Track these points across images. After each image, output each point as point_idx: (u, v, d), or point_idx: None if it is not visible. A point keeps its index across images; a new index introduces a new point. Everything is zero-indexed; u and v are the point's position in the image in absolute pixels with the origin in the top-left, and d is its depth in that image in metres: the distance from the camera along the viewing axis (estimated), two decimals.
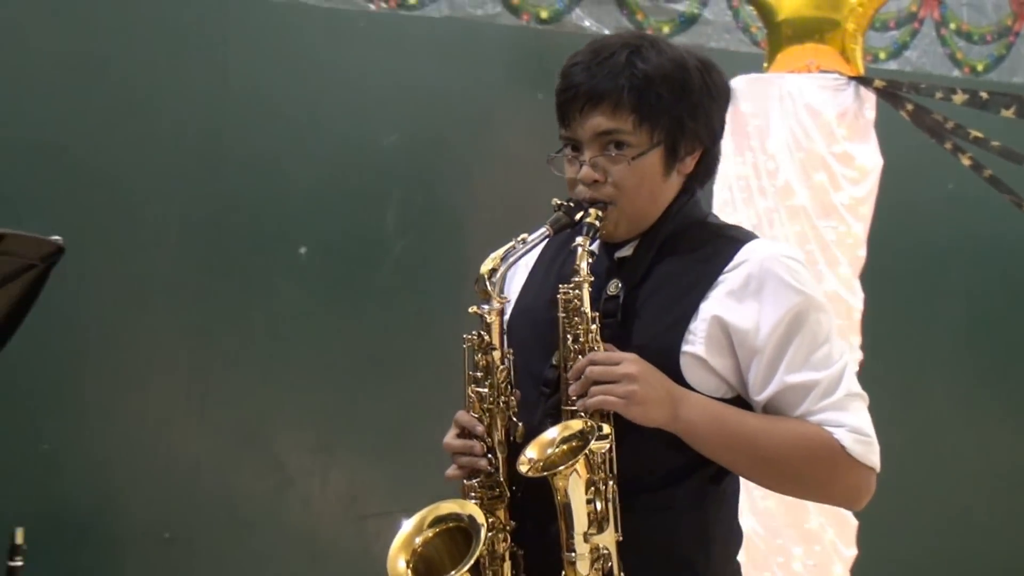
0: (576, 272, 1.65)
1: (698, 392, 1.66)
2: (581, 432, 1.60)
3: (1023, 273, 4.66)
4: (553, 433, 1.62)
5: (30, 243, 2.20)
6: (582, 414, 1.63)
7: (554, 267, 1.78)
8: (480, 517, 1.59)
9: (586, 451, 1.57)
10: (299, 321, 3.57)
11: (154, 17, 3.35)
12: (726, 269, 1.67)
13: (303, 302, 3.57)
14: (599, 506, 1.62)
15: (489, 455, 1.67)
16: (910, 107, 3.55)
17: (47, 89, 3.16)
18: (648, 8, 3.99)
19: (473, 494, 1.67)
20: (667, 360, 1.65)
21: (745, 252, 1.67)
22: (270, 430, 3.50)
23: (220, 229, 3.46)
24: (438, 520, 1.63)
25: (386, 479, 3.66)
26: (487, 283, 1.67)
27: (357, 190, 3.64)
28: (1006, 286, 4.66)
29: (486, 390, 1.69)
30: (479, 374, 1.70)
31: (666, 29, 3.97)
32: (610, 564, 1.62)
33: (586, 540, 1.60)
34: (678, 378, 1.65)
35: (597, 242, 1.72)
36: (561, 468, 1.57)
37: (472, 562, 1.56)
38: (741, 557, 1.82)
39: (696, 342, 1.65)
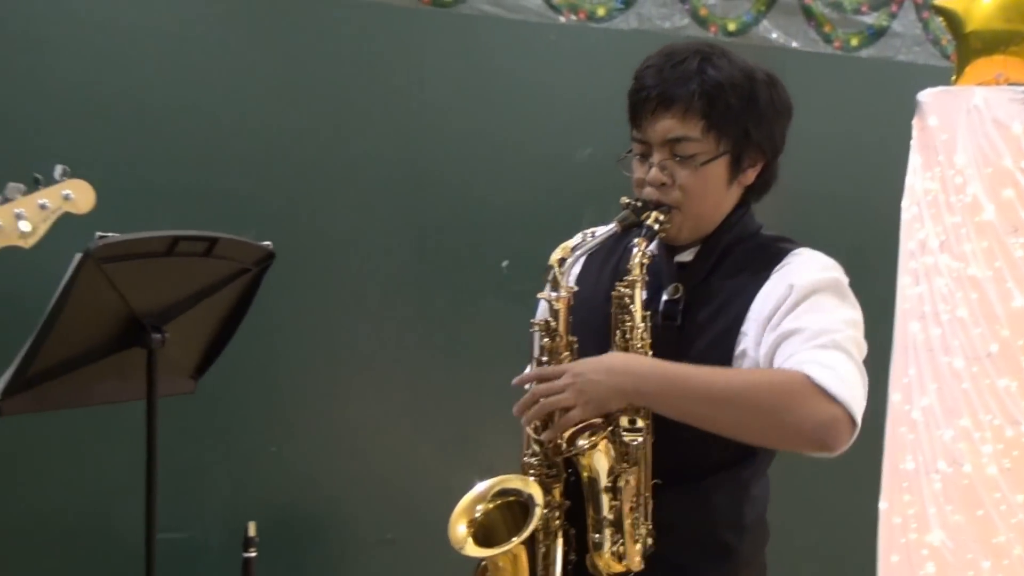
0: (630, 271, 1.69)
1: None
2: (612, 421, 1.64)
3: None
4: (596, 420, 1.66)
5: (242, 248, 2.29)
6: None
7: (610, 262, 1.81)
8: (539, 496, 1.64)
9: (606, 435, 1.62)
10: (503, 330, 3.57)
11: (354, 40, 3.46)
12: (770, 278, 1.71)
13: (505, 312, 3.56)
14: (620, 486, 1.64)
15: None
16: None
17: (260, 109, 3.29)
18: (836, 20, 3.93)
19: (532, 472, 1.71)
20: (721, 364, 1.68)
21: (791, 261, 1.72)
22: (480, 433, 3.54)
23: (428, 242, 3.55)
24: (501, 493, 1.69)
25: None
26: (556, 271, 1.72)
27: (552, 204, 3.64)
28: None
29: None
30: (545, 358, 1.73)
31: (854, 41, 3.92)
32: (647, 539, 1.66)
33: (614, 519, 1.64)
34: None
35: (656, 243, 1.75)
36: (586, 448, 1.62)
37: (527, 534, 1.63)
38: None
39: (747, 341, 1.69)
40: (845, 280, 1.74)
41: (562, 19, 3.66)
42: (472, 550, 1.68)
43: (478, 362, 3.55)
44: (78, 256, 1.96)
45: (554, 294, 1.73)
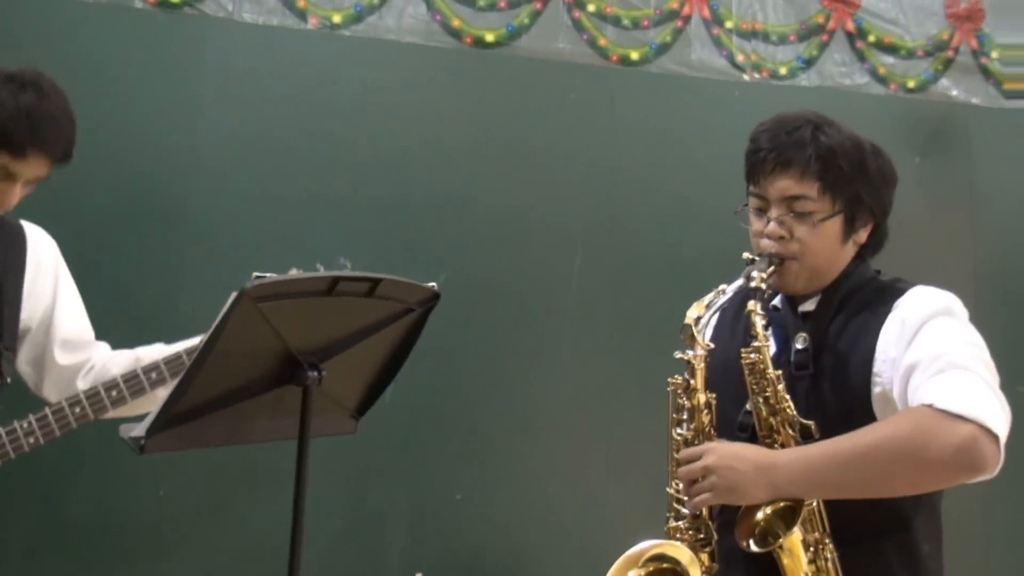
0: (755, 336, 1.70)
1: None
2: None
3: None
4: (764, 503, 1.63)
5: (406, 288, 2.20)
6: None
7: (740, 320, 1.81)
8: (697, 573, 1.63)
9: (800, 519, 1.59)
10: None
11: (549, 97, 3.57)
12: (889, 317, 1.71)
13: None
14: (820, 565, 1.64)
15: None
16: None
17: (459, 161, 3.42)
18: (1013, 75, 3.91)
19: (679, 536, 1.73)
20: (861, 407, 1.68)
21: (905, 297, 1.73)
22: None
23: (622, 293, 3.53)
24: (657, 558, 1.68)
25: None
26: (693, 330, 1.73)
27: (732, 256, 3.56)
28: None
29: (690, 433, 1.74)
30: (683, 416, 1.76)
31: None
32: None
33: None
34: (872, 420, 1.66)
35: (780, 296, 1.81)
36: (784, 539, 1.59)
37: None
38: None
39: (883, 383, 1.67)
40: (958, 306, 1.73)
41: (745, 77, 3.71)
42: None
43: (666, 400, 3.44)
44: (234, 294, 1.90)
45: (691, 352, 1.75)
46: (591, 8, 3.63)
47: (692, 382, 1.76)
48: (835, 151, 1.77)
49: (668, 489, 1.80)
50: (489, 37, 3.58)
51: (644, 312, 3.55)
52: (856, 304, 1.80)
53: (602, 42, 3.64)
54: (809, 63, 3.79)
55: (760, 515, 1.64)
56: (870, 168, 1.81)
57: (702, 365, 1.76)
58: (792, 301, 1.81)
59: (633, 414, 3.45)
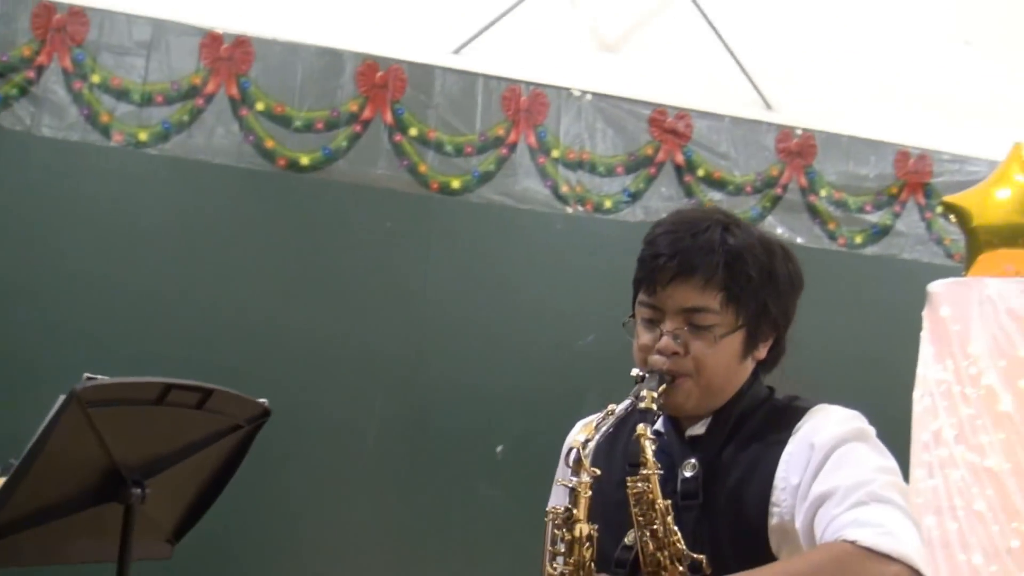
0: (644, 464, 1.58)
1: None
2: None
3: None
4: None
5: (237, 402, 2.18)
6: None
7: (618, 444, 1.72)
8: None
9: None
10: (497, 514, 3.65)
11: (362, 225, 3.61)
12: (789, 441, 1.63)
13: (499, 497, 3.66)
14: None
15: None
16: None
17: (268, 291, 3.49)
18: (841, 218, 4.05)
19: None
20: (756, 539, 1.61)
21: (807, 418, 1.65)
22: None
23: (425, 424, 3.60)
24: None
25: None
26: (581, 454, 1.60)
27: (553, 390, 3.68)
28: None
29: (568, 568, 1.60)
30: (562, 548, 1.61)
31: (859, 239, 4.03)
32: None
33: None
34: (767, 552, 1.60)
35: (663, 419, 1.69)
36: None
37: None
38: None
39: (781, 513, 1.60)
40: (870, 428, 1.65)
41: (568, 209, 3.76)
42: None
43: (469, 546, 3.58)
44: (62, 397, 1.85)
45: (575, 479, 1.61)
46: (413, 132, 3.67)
47: (575, 512, 1.61)
48: (745, 258, 1.66)
49: None
50: (304, 160, 3.62)
51: (447, 449, 3.61)
52: (752, 427, 1.70)
53: (422, 168, 3.69)
54: (635, 196, 3.88)
55: None
56: (779, 275, 1.70)
57: (587, 493, 1.61)
58: (678, 425, 1.70)
59: (430, 546, 3.53)
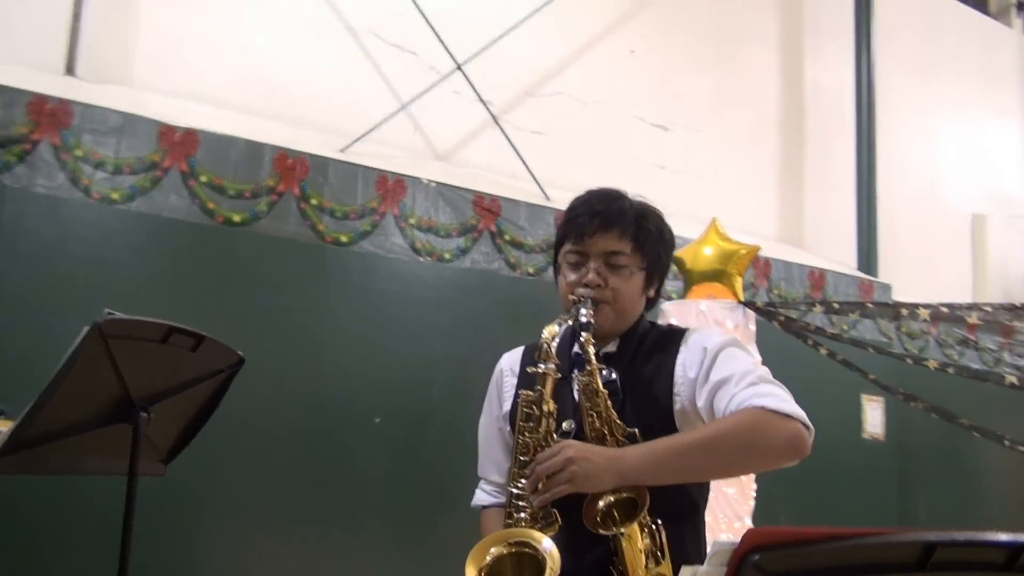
0: (588, 362, 1.80)
1: None
2: (635, 491, 1.70)
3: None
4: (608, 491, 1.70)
5: (221, 351, 2.23)
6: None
7: (564, 353, 1.91)
8: (555, 561, 1.61)
9: (640, 515, 1.68)
10: (374, 471, 4.20)
11: (263, 270, 4.24)
12: (680, 351, 1.88)
13: (377, 458, 4.24)
14: (654, 542, 1.73)
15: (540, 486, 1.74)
16: (782, 319, 4.45)
17: (204, 314, 3.90)
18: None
19: (526, 525, 1.75)
20: (665, 420, 1.82)
21: (686, 336, 1.91)
22: (356, 563, 4.00)
23: (321, 411, 4.12)
24: (520, 543, 1.67)
25: None
26: (548, 346, 1.82)
27: (410, 382, 4.37)
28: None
29: (535, 438, 1.80)
30: (530, 424, 1.81)
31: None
32: None
33: (647, 571, 1.71)
34: (673, 429, 1.80)
35: (578, 346, 1.85)
36: (629, 526, 1.69)
37: None
38: None
39: (682, 401, 1.83)
40: (729, 335, 1.93)
41: (421, 259, 4.67)
42: None
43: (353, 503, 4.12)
44: (86, 328, 1.87)
45: (543, 366, 1.80)
46: (314, 202, 4.45)
47: (543, 392, 1.78)
48: (648, 217, 1.92)
49: (511, 489, 1.81)
50: (236, 218, 4.28)
51: (339, 425, 4.12)
52: (649, 344, 1.91)
53: (321, 227, 4.43)
54: (464, 251, 4.76)
55: (602, 504, 1.70)
56: (666, 235, 1.97)
57: (555, 376, 1.80)
58: (594, 345, 1.83)
59: (323, 504, 4.02)
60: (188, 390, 2.19)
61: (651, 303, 2.02)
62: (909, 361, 4.65)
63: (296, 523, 4.06)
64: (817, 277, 6.06)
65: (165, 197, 4.23)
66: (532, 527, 1.73)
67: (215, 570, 3.87)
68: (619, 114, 5.84)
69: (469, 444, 4.19)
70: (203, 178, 4.33)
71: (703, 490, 1.92)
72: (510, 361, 2.08)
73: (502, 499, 2.09)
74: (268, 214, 4.42)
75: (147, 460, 2.19)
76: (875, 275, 6.58)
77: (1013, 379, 4.44)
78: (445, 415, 4.51)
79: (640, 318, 1.98)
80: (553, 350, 1.81)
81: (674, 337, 1.92)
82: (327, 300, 4.37)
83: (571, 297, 1.87)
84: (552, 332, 1.82)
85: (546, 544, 1.64)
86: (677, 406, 1.83)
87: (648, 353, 1.91)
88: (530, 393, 1.81)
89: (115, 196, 4.12)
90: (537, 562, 1.61)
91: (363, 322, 4.41)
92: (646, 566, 1.70)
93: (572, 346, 1.91)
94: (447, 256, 4.78)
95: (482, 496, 2.15)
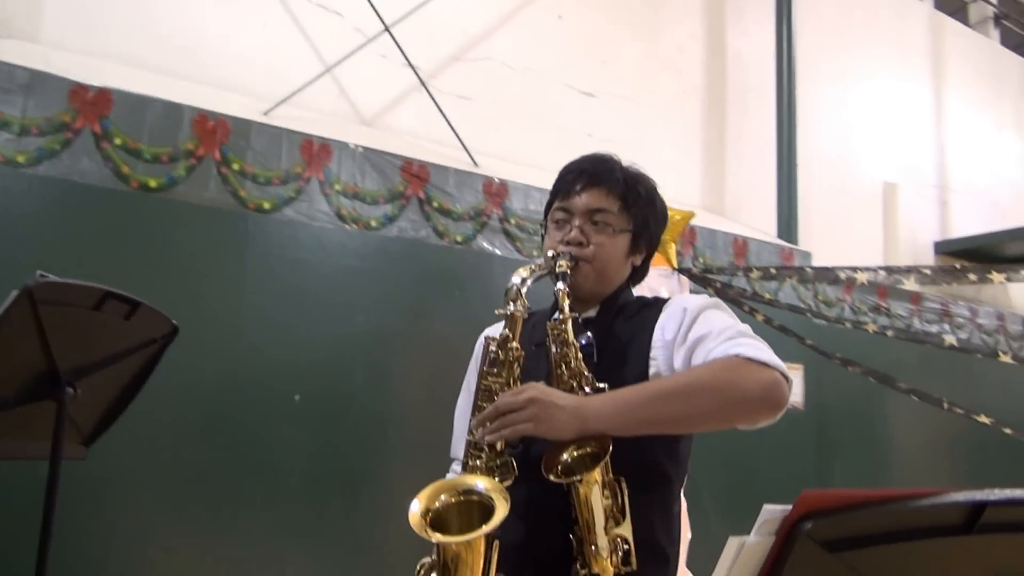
0: (562, 311, 1.74)
1: None
2: (598, 443, 1.61)
3: None
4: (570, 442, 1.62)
5: (156, 319, 2.14)
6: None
7: (528, 326, 1.82)
8: (504, 506, 1.53)
9: (604, 461, 1.59)
10: (294, 449, 4.06)
11: (184, 239, 4.04)
12: (660, 316, 1.82)
13: (296, 437, 4.10)
14: (616, 502, 1.64)
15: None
16: (718, 285, 4.48)
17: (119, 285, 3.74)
18: (524, 238, 5.22)
19: (480, 471, 1.68)
20: (637, 381, 1.71)
21: (669, 303, 1.87)
22: (274, 539, 3.91)
23: (241, 384, 3.96)
24: (468, 491, 1.59)
25: (365, 567, 4.14)
26: (519, 288, 1.74)
27: (334, 357, 4.22)
28: None
29: (499, 381, 1.72)
30: (494, 369, 1.73)
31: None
32: (627, 547, 1.64)
33: (607, 532, 1.63)
34: None
35: (557, 310, 1.78)
36: (583, 475, 1.59)
37: (496, 522, 1.50)
38: None
39: (659, 365, 1.77)
40: (709, 298, 1.84)
41: (347, 227, 4.51)
42: (446, 536, 1.54)
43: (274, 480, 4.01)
44: (14, 293, 1.77)
45: (512, 306, 1.74)
46: (235, 167, 4.28)
47: (510, 335, 1.73)
48: (638, 180, 1.89)
49: (468, 436, 1.73)
50: (152, 183, 4.10)
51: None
52: (630, 312, 1.86)
53: (242, 193, 4.27)
54: (392, 219, 4.65)
55: (565, 455, 1.63)
56: (657, 203, 1.93)
57: (520, 320, 1.74)
58: (573, 310, 1.79)
59: (240, 483, 3.84)
60: (119, 363, 2.07)
61: (637, 273, 1.96)
62: (847, 324, 4.72)
63: (212, 506, 3.93)
64: (741, 245, 6.12)
65: (76, 160, 4.02)
66: (495, 475, 1.67)
67: (125, 556, 3.72)
68: (547, 80, 5.79)
69: (396, 420, 4.28)
70: (117, 140, 4.13)
71: (677, 464, 1.84)
72: (495, 332, 1.95)
73: None
74: (187, 179, 4.24)
75: (69, 442, 2.05)
76: (795, 243, 6.67)
77: (952, 340, 4.55)
78: (369, 391, 4.39)
79: (624, 286, 1.92)
80: (524, 292, 1.74)
81: (656, 305, 1.87)
82: (248, 270, 4.19)
83: (549, 252, 1.81)
84: (522, 275, 1.75)
85: (489, 487, 1.56)
86: (652, 370, 1.77)
87: (629, 319, 1.85)
88: (495, 338, 1.74)
89: (21, 159, 3.91)
90: (486, 508, 1.54)
91: (285, 293, 4.22)
92: (605, 527, 1.62)
93: (552, 314, 1.83)
94: (374, 224, 4.65)
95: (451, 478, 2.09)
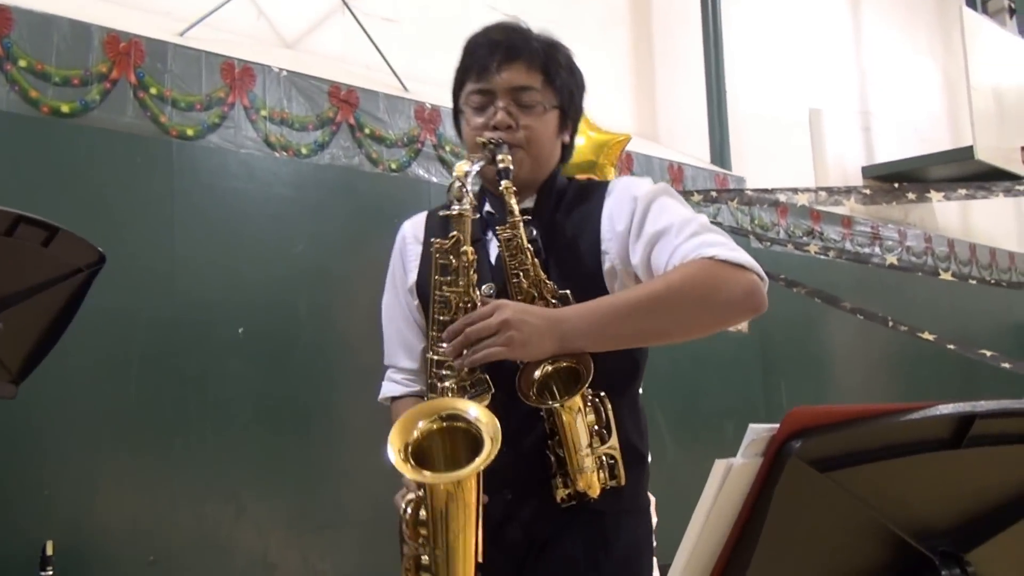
0: (511, 213, 1.63)
1: None
2: (577, 360, 1.53)
3: None
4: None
5: (78, 246, 1.99)
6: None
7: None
8: (495, 424, 1.41)
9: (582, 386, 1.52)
10: (241, 383, 3.99)
11: (104, 166, 3.84)
12: (605, 202, 1.73)
13: (243, 370, 4.02)
14: (600, 418, 1.58)
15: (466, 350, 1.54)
16: None
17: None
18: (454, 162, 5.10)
19: (451, 395, 1.56)
20: (594, 282, 1.67)
21: (611, 187, 1.78)
22: (229, 471, 3.85)
23: (178, 325, 3.86)
24: (451, 416, 1.47)
25: (320, 501, 4.09)
26: (464, 182, 1.62)
27: (274, 287, 4.10)
28: None
29: (456, 292, 1.60)
30: (447, 277, 1.61)
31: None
32: (613, 462, 1.58)
33: (592, 452, 1.56)
34: (603, 292, 1.65)
35: (489, 200, 1.75)
36: (564, 401, 1.52)
37: (486, 456, 1.38)
38: None
39: (611, 259, 1.69)
40: (658, 183, 1.75)
41: (276, 154, 4.34)
42: (429, 475, 1.41)
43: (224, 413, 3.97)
44: None
45: (458, 206, 1.62)
46: (153, 91, 4.07)
47: (461, 237, 1.60)
48: (558, 48, 1.78)
49: (430, 355, 1.62)
50: (65, 108, 3.86)
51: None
52: (570, 198, 1.75)
53: (163, 119, 4.07)
54: (322, 146, 4.49)
55: (538, 372, 1.55)
56: (576, 72, 1.82)
57: (469, 219, 1.60)
58: (506, 202, 1.66)
59: (193, 417, 3.79)
60: (40, 294, 1.94)
61: (566, 151, 1.86)
62: (790, 247, 4.73)
63: (162, 442, 3.79)
64: (676, 171, 6.09)
65: None
66: (470, 395, 1.56)
67: (75, 497, 3.56)
68: (471, 2, 5.57)
69: (342, 348, 4.18)
70: (22, 63, 3.84)
71: (642, 361, 1.78)
72: (413, 227, 1.92)
73: (417, 387, 1.91)
74: (101, 104, 3.96)
75: None
76: (728, 168, 6.66)
77: (894, 260, 4.59)
78: (314, 321, 4.29)
79: (557, 169, 1.83)
80: (468, 189, 1.61)
81: (597, 188, 1.77)
82: (175, 200, 4.02)
83: (479, 140, 1.70)
84: (463, 170, 1.63)
85: (478, 414, 1.45)
86: (606, 264, 1.69)
87: (569, 207, 1.75)
88: (443, 241, 1.61)
89: None
90: (472, 437, 1.43)
91: (217, 224, 4.08)
92: (591, 445, 1.56)
93: (483, 204, 1.76)
94: (304, 151, 4.48)
95: (391, 387, 1.96)
